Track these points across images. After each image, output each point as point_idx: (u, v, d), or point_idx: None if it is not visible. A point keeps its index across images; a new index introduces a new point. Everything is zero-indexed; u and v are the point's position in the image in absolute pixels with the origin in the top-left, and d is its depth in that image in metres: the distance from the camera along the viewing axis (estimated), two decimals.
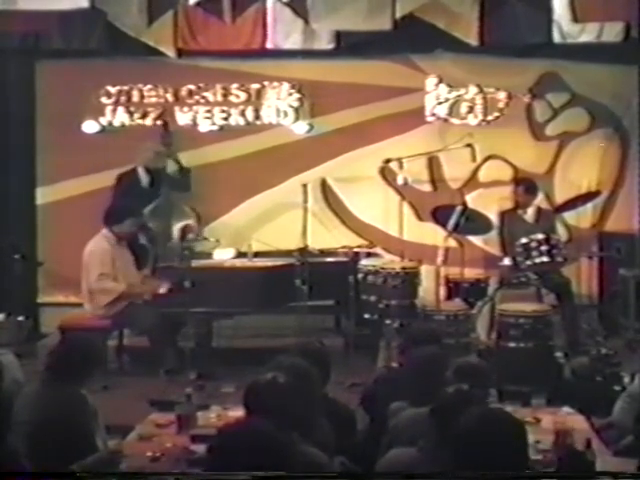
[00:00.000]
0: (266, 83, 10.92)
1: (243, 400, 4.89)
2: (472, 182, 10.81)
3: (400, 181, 10.64)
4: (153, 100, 10.93)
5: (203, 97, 10.92)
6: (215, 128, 10.96)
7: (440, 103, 10.86)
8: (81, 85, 10.79)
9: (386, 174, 10.77)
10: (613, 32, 10.24)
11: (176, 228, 10.43)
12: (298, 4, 10.42)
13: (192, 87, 10.90)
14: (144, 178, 10.20)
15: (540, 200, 10.34)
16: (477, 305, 9.09)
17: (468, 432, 4.09)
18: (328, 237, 10.48)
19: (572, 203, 9.95)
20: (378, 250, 10.38)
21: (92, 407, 5.66)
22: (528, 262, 9.09)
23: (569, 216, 10.43)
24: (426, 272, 9.52)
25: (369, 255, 10.07)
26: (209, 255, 9.79)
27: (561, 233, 10.22)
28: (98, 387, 7.38)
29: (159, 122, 10.74)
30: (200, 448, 5.23)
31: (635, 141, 10.80)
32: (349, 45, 10.50)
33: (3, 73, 10.85)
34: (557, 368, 8.42)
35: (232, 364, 8.60)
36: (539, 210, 10.06)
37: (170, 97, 10.93)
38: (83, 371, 5.70)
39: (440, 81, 10.83)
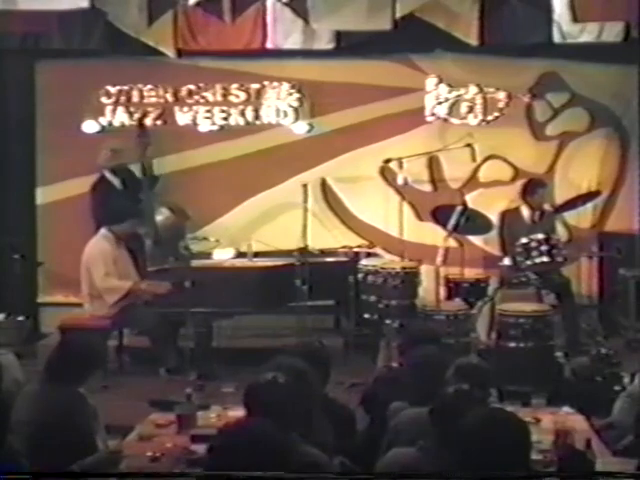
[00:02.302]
0: (266, 83, 10.92)
1: (243, 400, 4.89)
2: (472, 182, 10.80)
3: (400, 181, 10.63)
4: (153, 100, 10.93)
5: (203, 97, 10.92)
6: (215, 128, 10.96)
7: (440, 103, 10.85)
8: (81, 85, 10.79)
9: (386, 174, 10.76)
10: (613, 32, 10.22)
11: (164, 227, 10.28)
12: (298, 4, 10.41)
13: (192, 87, 10.90)
14: (115, 180, 10.14)
15: None
16: (477, 305, 9.09)
17: (475, 432, 4.09)
18: (328, 237, 10.48)
19: (572, 203, 9.94)
20: (378, 250, 10.38)
21: (92, 407, 5.67)
22: (528, 262, 9.09)
23: (569, 216, 10.42)
24: (426, 272, 9.51)
25: (369, 255, 10.08)
26: (209, 255, 9.79)
27: (561, 233, 10.22)
28: (98, 387, 7.39)
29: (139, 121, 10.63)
30: (200, 448, 5.23)
31: (635, 141, 10.79)
32: (349, 45, 10.49)
33: (3, 73, 10.85)
34: (557, 368, 8.42)
35: (232, 364, 8.60)
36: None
37: (170, 97, 10.93)
38: (83, 371, 5.71)
39: (440, 81, 10.82)
